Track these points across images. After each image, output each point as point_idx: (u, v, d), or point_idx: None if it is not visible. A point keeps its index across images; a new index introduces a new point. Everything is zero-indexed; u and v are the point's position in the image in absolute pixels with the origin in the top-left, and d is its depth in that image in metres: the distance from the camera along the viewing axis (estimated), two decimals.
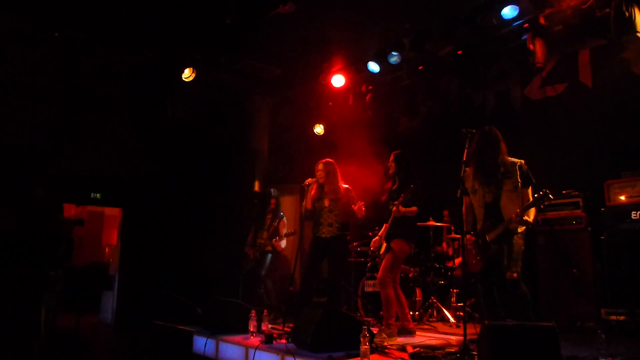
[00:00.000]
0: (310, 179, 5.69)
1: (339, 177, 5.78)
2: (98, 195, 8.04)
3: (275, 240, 6.84)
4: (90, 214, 11.71)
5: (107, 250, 11.24)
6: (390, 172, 5.41)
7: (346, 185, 5.80)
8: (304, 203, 5.70)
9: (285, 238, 6.94)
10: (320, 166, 5.77)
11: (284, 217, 7.10)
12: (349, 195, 5.74)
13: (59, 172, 7.27)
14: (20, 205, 4.31)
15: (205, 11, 6.30)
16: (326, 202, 5.71)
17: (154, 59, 7.49)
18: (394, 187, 5.35)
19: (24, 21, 6.45)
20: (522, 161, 4.40)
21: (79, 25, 6.65)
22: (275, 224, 6.95)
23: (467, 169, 4.36)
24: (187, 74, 7.31)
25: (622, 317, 5.07)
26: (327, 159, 5.84)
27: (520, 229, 4.26)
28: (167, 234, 8.25)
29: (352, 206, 5.59)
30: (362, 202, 5.57)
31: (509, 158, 4.41)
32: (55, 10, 6.35)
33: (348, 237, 5.90)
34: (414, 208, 5.15)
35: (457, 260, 6.66)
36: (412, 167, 5.35)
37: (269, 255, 6.93)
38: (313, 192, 5.72)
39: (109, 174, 8.00)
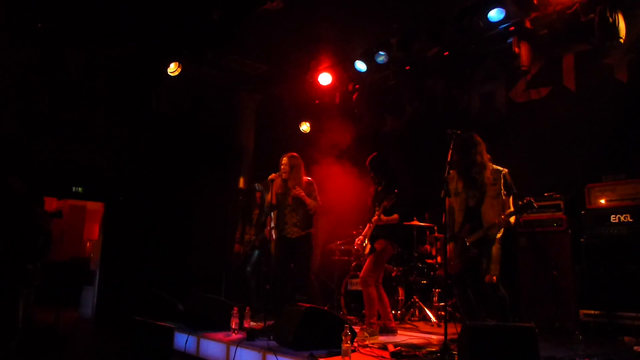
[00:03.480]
0: (274, 174, 5.54)
1: (303, 172, 5.68)
2: (80, 189, 7.91)
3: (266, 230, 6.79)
4: (71, 208, 11.56)
5: (88, 245, 11.11)
6: (373, 179, 5.43)
7: (309, 179, 5.71)
8: (268, 197, 5.59)
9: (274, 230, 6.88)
10: (285, 160, 5.64)
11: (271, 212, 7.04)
12: (311, 189, 5.66)
13: (40, 165, 7.15)
14: None
15: (192, 5, 6.24)
16: (290, 200, 5.64)
17: (139, 53, 7.40)
18: (379, 188, 5.36)
19: (6, 11, 6.33)
20: (507, 170, 4.47)
21: (62, 17, 6.55)
22: (263, 218, 6.90)
23: (451, 171, 4.40)
24: (173, 69, 7.24)
25: (599, 319, 5.15)
26: (292, 153, 5.72)
27: (498, 235, 4.34)
28: (149, 229, 8.17)
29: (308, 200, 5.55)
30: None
31: (494, 165, 4.48)
32: (39, 1, 6.25)
33: (311, 232, 5.83)
34: (396, 216, 5.18)
35: (439, 258, 6.70)
36: (392, 168, 5.36)
37: (257, 252, 6.87)
38: (277, 187, 5.59)
39: (92, 167, 7.88)
